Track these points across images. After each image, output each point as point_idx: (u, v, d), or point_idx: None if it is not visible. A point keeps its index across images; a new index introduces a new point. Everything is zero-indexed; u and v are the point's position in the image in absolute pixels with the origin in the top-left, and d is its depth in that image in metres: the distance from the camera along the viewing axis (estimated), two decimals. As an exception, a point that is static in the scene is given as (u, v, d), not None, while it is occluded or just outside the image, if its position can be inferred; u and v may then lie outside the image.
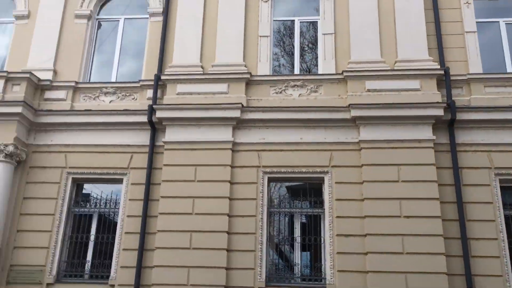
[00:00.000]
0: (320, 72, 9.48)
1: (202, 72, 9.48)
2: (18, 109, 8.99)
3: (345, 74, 9.07)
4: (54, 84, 9.73)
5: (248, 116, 9.00)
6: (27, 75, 9.33)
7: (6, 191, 8.77)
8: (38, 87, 9.62)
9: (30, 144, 9.37)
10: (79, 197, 9.42)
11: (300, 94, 9.22)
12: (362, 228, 8.20)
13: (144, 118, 9.22)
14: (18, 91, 9.25)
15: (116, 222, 9.01)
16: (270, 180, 8.89)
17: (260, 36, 9.75)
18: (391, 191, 8.29)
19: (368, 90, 8.92)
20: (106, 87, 9.75)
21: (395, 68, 9.10)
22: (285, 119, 8.95)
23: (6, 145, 8.81)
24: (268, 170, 8.79)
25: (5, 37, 10.73)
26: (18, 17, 10.49)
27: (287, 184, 9.14)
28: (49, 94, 9.72)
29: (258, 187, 8.69)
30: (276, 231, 8.92)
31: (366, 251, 8.06)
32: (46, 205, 9.00)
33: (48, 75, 9.78)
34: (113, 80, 10.07)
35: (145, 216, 8.69)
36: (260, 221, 8.48)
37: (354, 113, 8.69)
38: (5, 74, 9.30)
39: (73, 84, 9.74)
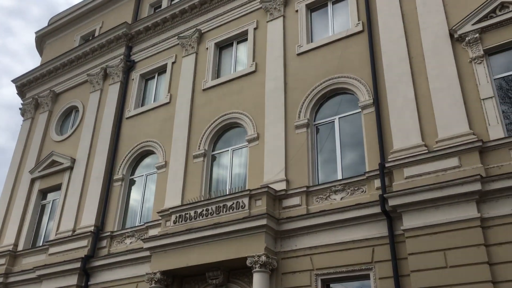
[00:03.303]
0: None
1: (427, 151, 9.13)
2: (264, 221, 9.90)
3: None
4: (289, 192, 10.55)
5: (492, 186, 8.16)
6: (266, 189, 10.36)
7: (267, 299, 9.43)
8: (276, 198, 10.55)
9: (278, 251, 10.08)
10: (330, 298, 9.54)
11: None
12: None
13: (377, 209, 9.18)
14: (261, 205, 10.27)
15: (374, 321, 8.73)
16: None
17: (483, 99, 9.08)
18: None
19: None
20: (334, 186, 10.13)
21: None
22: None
23: (259, 256, 9.64)
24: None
25: (242, 159, 12.31)
26: (250, 141, 12.03)
27: None
28: (286, 202, 10.54)
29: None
30: None
31: None
32: (303, 309, 9.32)
33: (282, 186, 10.69)
34: (339, 177, 10.43)
35: (403, 311, 8.26)
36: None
37: None
38: (248, 192, 10.51)
39: (304, 189, 10.40)
